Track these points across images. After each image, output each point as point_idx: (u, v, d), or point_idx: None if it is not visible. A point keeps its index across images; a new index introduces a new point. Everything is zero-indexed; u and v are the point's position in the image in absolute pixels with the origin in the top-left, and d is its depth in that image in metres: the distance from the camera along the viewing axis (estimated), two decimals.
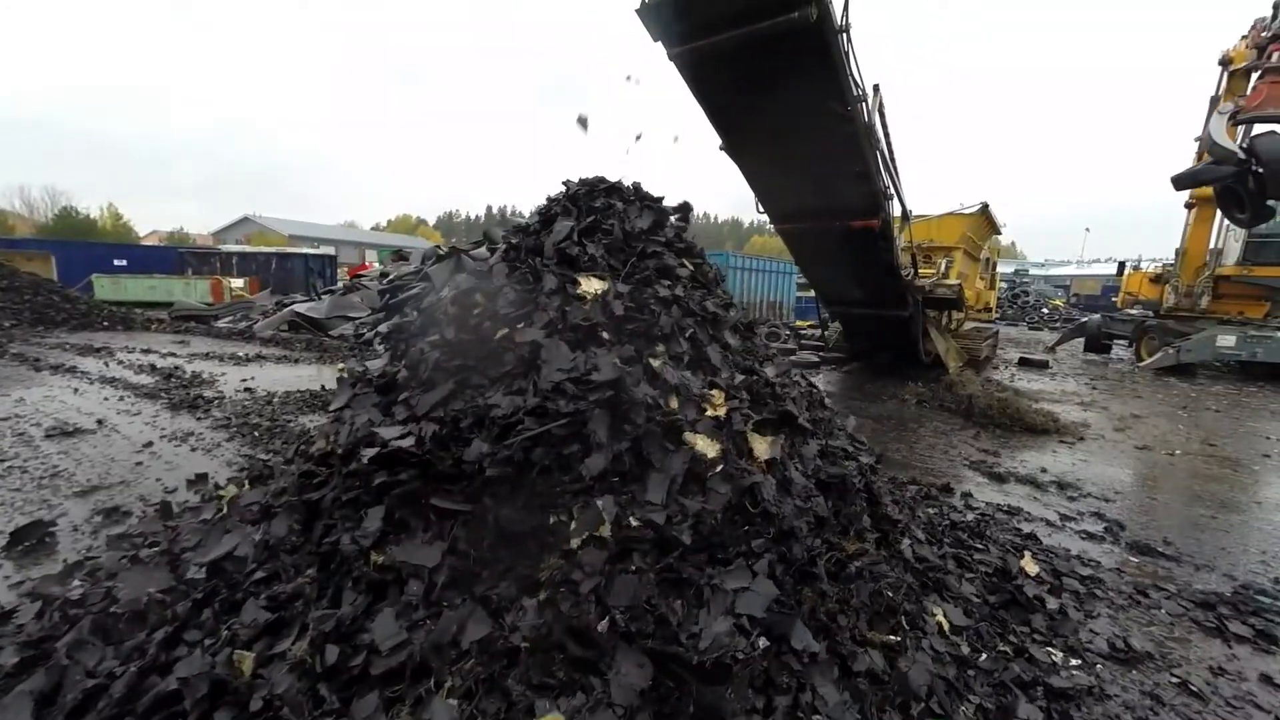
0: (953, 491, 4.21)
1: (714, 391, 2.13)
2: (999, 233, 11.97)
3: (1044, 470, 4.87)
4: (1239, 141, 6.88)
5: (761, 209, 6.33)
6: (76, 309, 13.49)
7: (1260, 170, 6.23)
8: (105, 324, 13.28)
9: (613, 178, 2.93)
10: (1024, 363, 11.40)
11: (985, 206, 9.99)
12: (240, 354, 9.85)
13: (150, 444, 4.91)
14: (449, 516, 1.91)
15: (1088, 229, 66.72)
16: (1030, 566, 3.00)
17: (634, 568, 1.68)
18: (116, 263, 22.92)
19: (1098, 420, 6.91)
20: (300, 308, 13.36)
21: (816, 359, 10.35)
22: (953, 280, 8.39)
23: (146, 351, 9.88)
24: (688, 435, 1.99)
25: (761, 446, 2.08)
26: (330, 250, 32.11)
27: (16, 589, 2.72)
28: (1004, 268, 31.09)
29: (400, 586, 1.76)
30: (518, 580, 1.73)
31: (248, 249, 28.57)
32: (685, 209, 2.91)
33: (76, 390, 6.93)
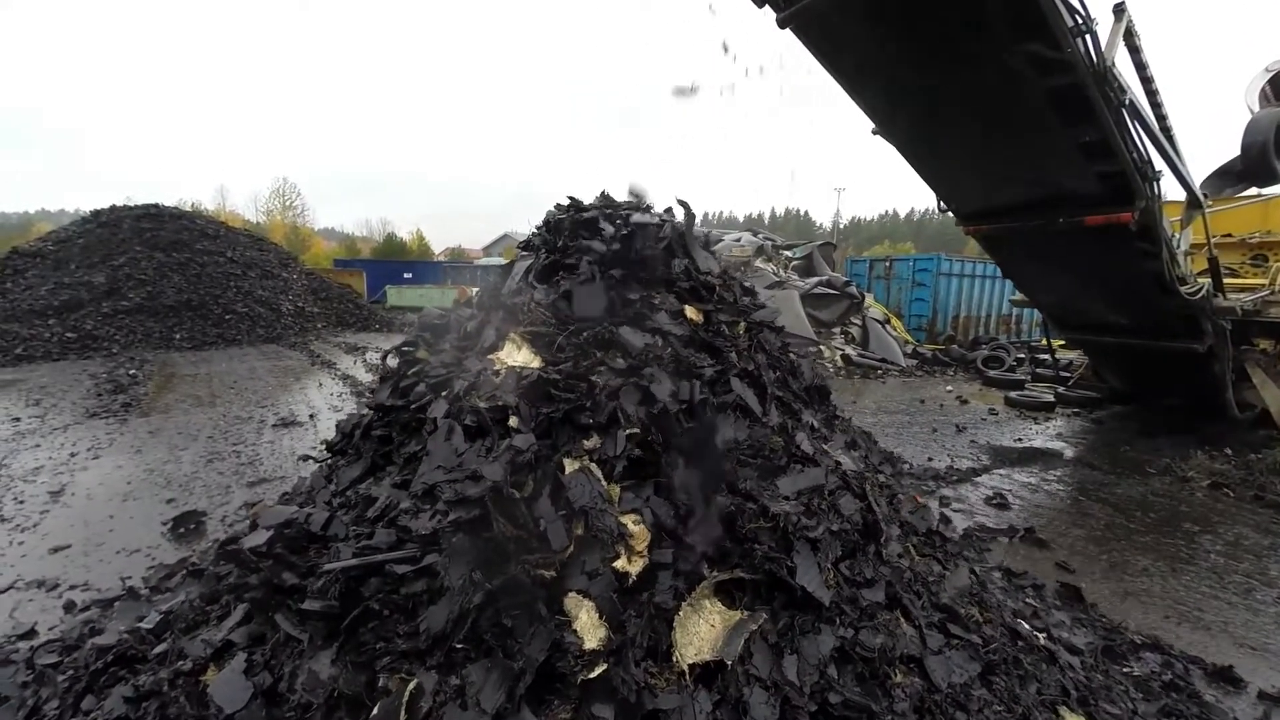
0: (1240, 684, 2.41)
1: (636, 528, 1.35)
2: None
3: None
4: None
5: (943, 206, 4.76)
6: (362, 314, 17.50)
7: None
8: (377, 327, 16.97)
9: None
10: None
11: None
12: None
13: (324, 442, 5.79)
14: (295, 642, 1.54)
15: None
16: None
17: None
18: (405, 276, 29.44)
19: None
20: None
21: (1051, 397, 7.71)
22: None
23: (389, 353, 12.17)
24: (570, 600, 1.28)
25: (698, 638, 1.25)
26: None
27: (153, 568, 3.28)
28: None
29: None
30: None
31: (489, 261, 34.03)
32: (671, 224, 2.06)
33: (320, 385, 8.76)
